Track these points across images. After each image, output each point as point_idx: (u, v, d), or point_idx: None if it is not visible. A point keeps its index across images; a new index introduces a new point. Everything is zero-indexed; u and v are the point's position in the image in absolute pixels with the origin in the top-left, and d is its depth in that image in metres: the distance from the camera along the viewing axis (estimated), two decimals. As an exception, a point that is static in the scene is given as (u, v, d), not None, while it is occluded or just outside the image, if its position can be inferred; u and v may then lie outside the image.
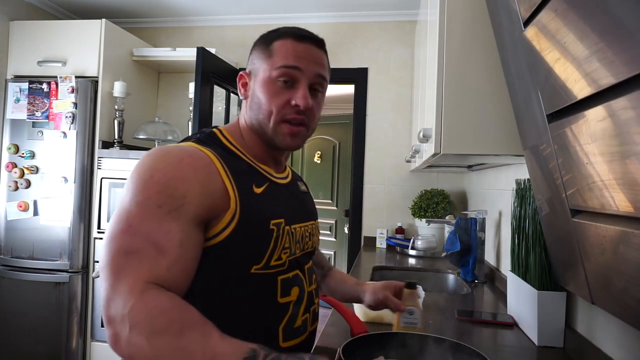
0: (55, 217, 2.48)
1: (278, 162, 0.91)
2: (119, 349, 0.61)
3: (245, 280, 0.75)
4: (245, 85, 0.87)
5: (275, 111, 0.81)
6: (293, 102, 0.80)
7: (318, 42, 0.85)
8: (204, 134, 0.84)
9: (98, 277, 2.41)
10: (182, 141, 0.83)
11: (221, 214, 0.73)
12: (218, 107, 2.78)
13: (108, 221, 2.49)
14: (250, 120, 0.85)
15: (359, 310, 1.23)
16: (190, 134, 2.57)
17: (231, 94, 2.87)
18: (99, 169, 2.52)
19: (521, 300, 1.25)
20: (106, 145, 2.54)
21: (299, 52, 0.81)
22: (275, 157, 0.89)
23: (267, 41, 0.84)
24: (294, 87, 0.81)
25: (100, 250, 0.68)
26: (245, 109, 0.87)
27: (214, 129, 0.86)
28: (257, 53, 0.85)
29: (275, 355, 0.60)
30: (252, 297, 0.76)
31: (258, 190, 0.80)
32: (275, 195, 0.84)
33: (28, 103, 2.52)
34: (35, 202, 2.50)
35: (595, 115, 0.55)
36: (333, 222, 4.02)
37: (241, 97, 0.88)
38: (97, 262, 2.48)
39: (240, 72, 0.87)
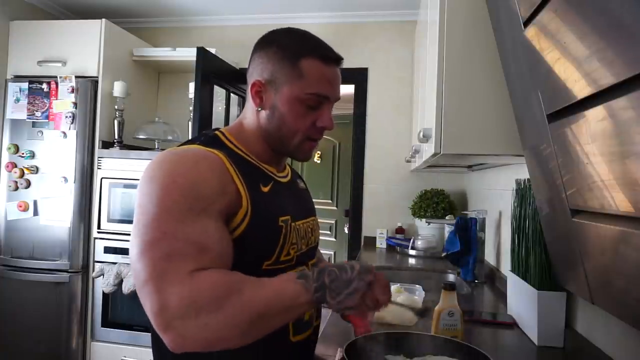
0: (55, 217, 2.48)
1: (279, 163, 0.92)
2: (193, 342, 0.61)
3: (256, 276, 0.76)
4: (259, 94, 0.83)
5: (302, 132, 0.84)
6: (319, 125, 0.84)
7: (340, 62, 0.86)
8: (207, 136, 0.83)
9: (98, 277, 2.43)
10: (184, 144, 0.82)
11: (235, 212, 0.74)
12: (218, 107, 2.77)
13: (108, 221, 2.49)
14: (267, 130, 0.84)
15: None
16: (190, 134, 2.59)
17: (231, 94, 2.86)
18: (99, 169, 2.51)
19: (521, 300, 1.25)
20: (106, 145, 2.54)
21: (329, 78, 0.83)
22: (278, 159, 0.90)
23: (291, 55, 0.81)
24: (319, 108, 0.84)
25: (134, 267, 0.65)
26: (257, 116, 0.85)
27: (216, 132, 0.85)
28: (279, 65, 0.81)
29: (320, 269, 0.70)
30: None
31: (265, 189, 0.82)
32: (280, 193, 0.86)
33: (28, 103, 2.51)
34: (35, 202, 2.50)
35: (595, 115, 0.55)
36: (333, 222, 4.00)
37: (255, 107, 0.84)
38: (97, 261, 2.48)
39: (254, 81, 0.83)
